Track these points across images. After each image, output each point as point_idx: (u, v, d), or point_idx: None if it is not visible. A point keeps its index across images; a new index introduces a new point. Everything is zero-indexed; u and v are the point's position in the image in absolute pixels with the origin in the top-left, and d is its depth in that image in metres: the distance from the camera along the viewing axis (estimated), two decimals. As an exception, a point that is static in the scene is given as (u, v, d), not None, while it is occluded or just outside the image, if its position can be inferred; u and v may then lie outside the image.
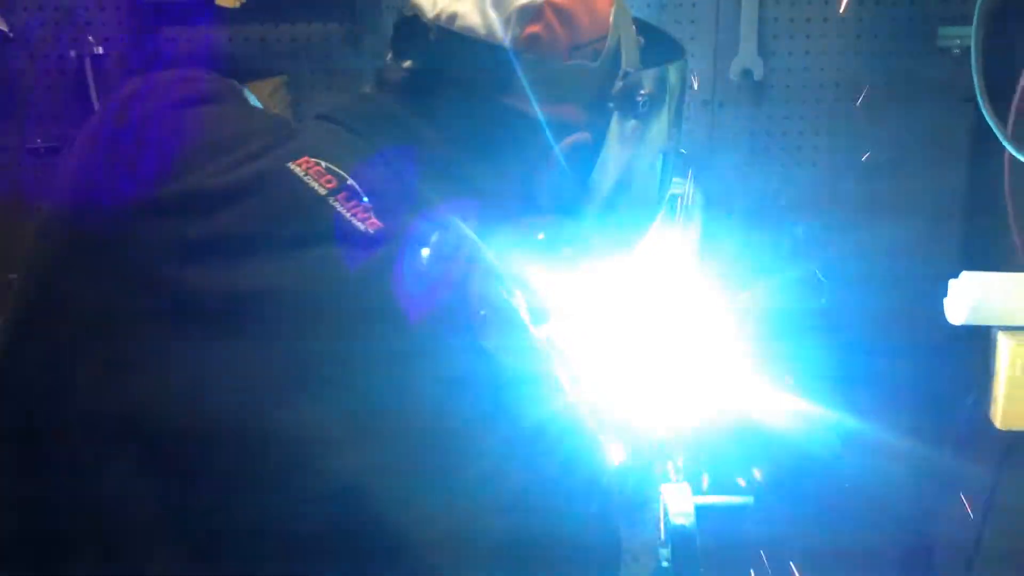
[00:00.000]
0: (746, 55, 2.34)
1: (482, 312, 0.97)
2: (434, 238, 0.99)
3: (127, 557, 0.91)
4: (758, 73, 2.34)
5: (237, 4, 2.25)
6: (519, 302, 1.04)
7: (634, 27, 1.19)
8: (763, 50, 2.35)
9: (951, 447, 2.06)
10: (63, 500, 0.94)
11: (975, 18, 1.55)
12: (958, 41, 2.30)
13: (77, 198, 1.03)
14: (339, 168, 1.00)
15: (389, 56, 1.16)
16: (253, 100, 1.19)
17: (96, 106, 2.42)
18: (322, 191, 0.99)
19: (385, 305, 0.93)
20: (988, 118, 1.53)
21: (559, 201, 1.15)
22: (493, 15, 1.08)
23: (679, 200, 1.81)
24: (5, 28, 2.39)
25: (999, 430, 1.66)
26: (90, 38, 2.42)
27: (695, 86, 2.25)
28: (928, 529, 2.33)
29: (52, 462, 0.95)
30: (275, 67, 2.41)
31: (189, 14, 2.35)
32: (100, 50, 2.43)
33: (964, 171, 2.34)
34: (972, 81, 2.25)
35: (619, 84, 1.13)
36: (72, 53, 2.42)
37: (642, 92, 1.14)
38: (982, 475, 2.02)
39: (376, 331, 0.93)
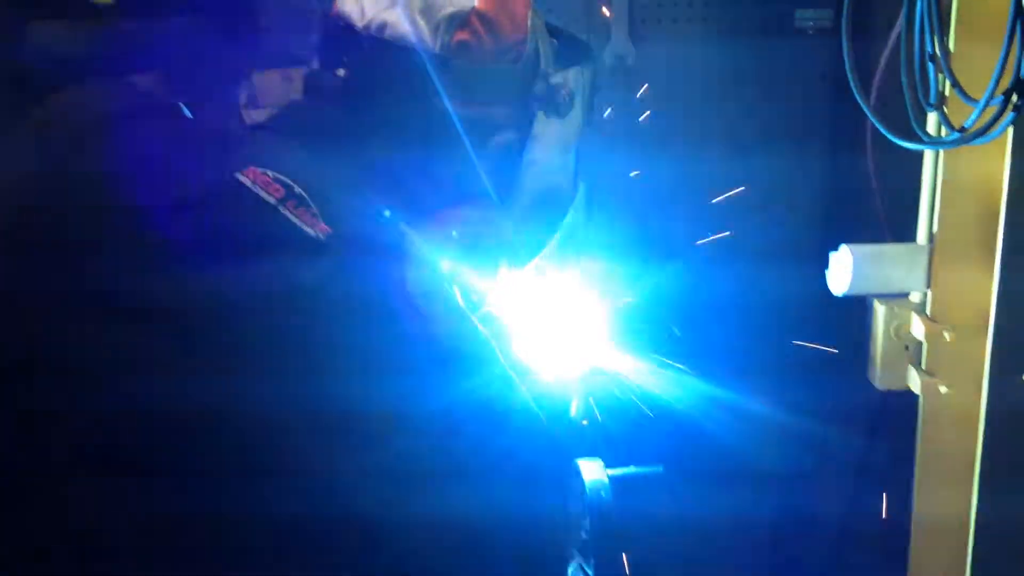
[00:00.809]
0: (618, 42, 2.43)
1: (420, 300, 1.03)
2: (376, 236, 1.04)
3: None
4: (631, 59, 2.43)
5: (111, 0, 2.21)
6: (454, 290, 1.10)
7: (546, 28, 1.25)
8: (634, 36, 2.45)
9: (834, 411, 2.21)
10: None
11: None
12: (812, 23, 2.45)
13: (23, 212, 1.03)
14: (285, 177, 1.04)
15: (315, 63, 1.19)
16: (186, 112, 1.20)
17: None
18: (271, 199, 1.02)
19: (341, 305, 0.98)
20: (858, 96, 1.64)
21: (487, 195, 1.20)
22: (422, 23, 1.12)
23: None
24: None
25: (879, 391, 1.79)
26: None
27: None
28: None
29: None
30: (152, 62, 2.38)
31: (61, 9, 2.30)
32: (-37, 49, 2.35)
33: (826, 144, 2.49)
34: (827, 60, 2.40)
35: (540, 84, 1.19)
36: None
37: (563, 92, 1.20)
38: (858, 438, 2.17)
39: (331, 328, 0.97)
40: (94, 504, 0.96)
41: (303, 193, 1.03)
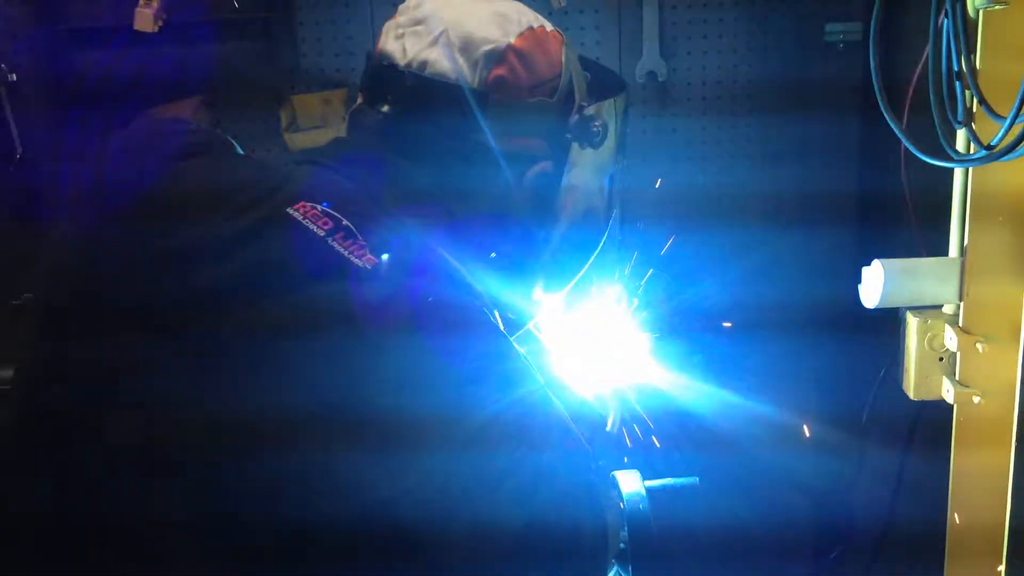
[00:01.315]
0: (649, 58, 2.47)
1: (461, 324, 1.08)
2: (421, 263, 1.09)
3: None
4: (662, 74, 2.48)
5: (156, 29, 2.28)
6: (494, 314, 1.15)
7: (579, 63, 1.30)
8: (665, 52, 2.49)
9: (869, 423, 2.23)
10: None
11: (875, 12, 1.69)
12: (842, 37, 2.49)
13: (83, 255, 1.09)
14: (333, 211, 1.09)
15: (360, 101, 1.24)
16: (238, 148, 1.25)
17: (14, 132, 2.43)
18: (320, 232, 1.07)
19: (391, 331, 1.03)
20: (887, 117, 1.67)
21: (527, 223, 1.25)
22: (461, 60, 1.17)
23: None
24: (-85, 60, 2.38)
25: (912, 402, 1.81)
26: (2, 66, 2.43)
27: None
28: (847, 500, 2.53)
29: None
30: (193, 87, 2.45)
31: (108, 38, 2.38)
32: (14, 77, 2.43)
33: (857, 155, 2.53)
34: (858, 73, 2.42)
35: (575, 117, 1.24)
36: (-15, 81, 2.42)
37: (596, 124, 1.25)
38: (894, 449, 2.19)
39: (384, 352, 1.02)
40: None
41: (350, 226, 1.08)
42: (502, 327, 1.16)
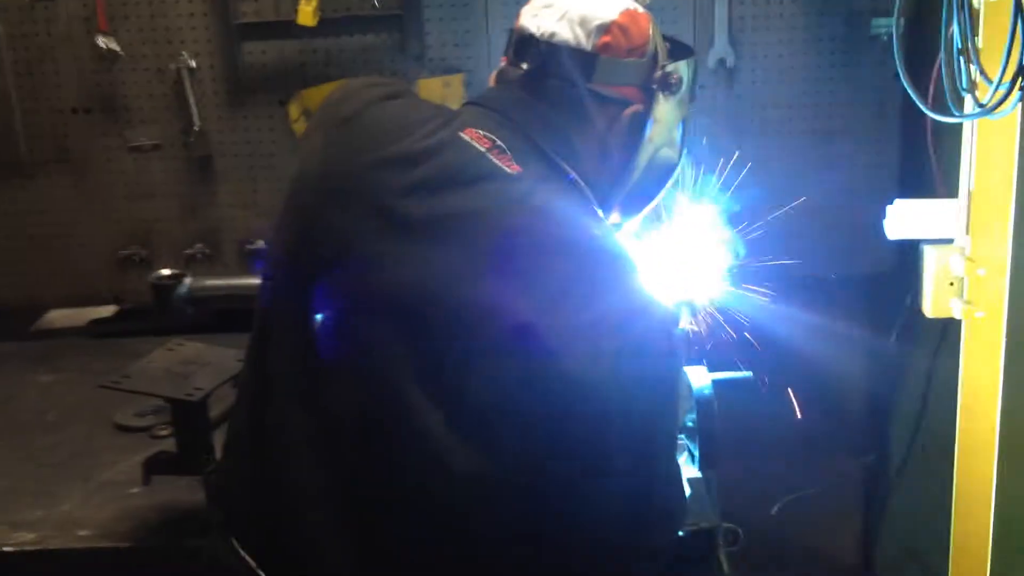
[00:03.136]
0: (720, 47, 2.93)
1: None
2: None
3: (386, 388, 1.46)
4: (730, 61, 2.93)
5: (315, 23, 2.79)
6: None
7: (661, 35, 1.76)
8: (733, 42, 2.94)
9: (898, 336, 2.67)
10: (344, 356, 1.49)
11: (895, 13, 2.14)
12: (885, 30, 2.91)
13: (327, 161, 1.58)
14: (490, 134, 1.56)
15: (504, 62, 1.71)
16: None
17: (193, 109, 2.97)
18: (482, 149, 1.55)
19: (528, 216, 1.50)
20: (908, 88, 2.10)
21: (623, 151, 1.71)
22: (579, 31, 1.64)
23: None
24: (117, 48, 2.92)
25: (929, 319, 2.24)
26: (184, 53, 2.96)
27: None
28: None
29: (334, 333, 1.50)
30: (336, 73, 2.96)
31: (273, 31, 2.90)
32: (194, 63, 2.97)
33: (897, 128, 2.96)
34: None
35: (659, 72, 1.70)
36: (172, 66, 2.96)
37: (675, 77, 1.71)
38: (922, 357, 2.63)
39: (526, 233, 1.49)
40: None
41: (503, 145, 1.55)
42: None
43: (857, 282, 2.86)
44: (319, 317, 1.51)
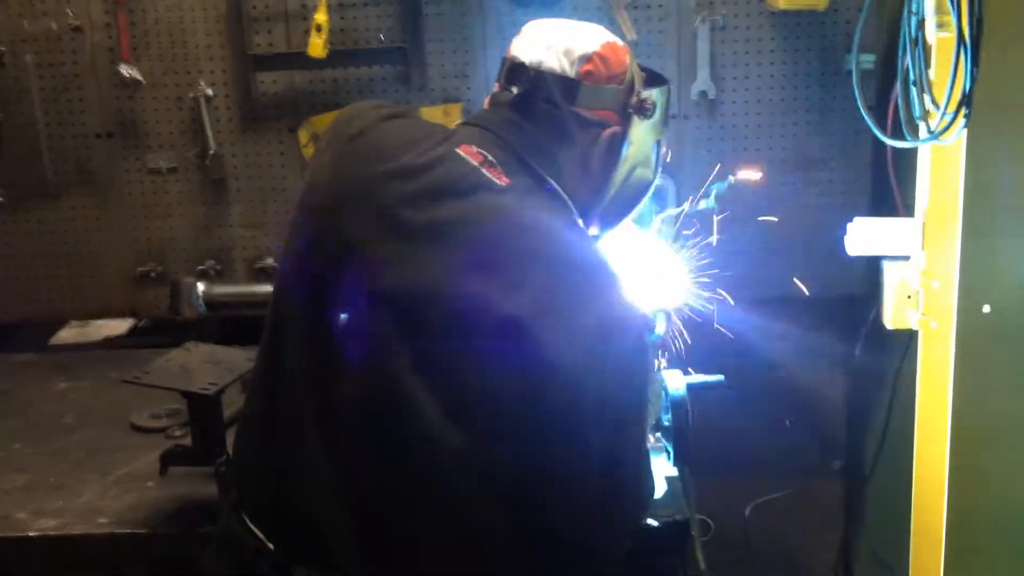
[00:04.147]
0: (702, 81, 3.13)
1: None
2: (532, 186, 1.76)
3: (388, 378, 1.64)
4: (712, 94, 3.13)
5: (325, 55, 2.99)
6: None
7: (638, 65, 1.95)
8: (714, 76, 3.14)
9: (863, 349, 2.85)
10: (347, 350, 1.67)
11: (854, 50, 2.34)
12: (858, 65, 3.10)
13: (337, 171, 1.76)
14: (483, 150, 1.75)
15: (497, 87, 1.90)
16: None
17: (209, 135, 3.16)
18: (475, 163, 1.73)
19: (516, 223, 1.68)
20: (866, 117, 2.29)
21: (602, 168, 1.89)
22: (564, 60, 1.83)
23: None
24: (139, 76, 3.13)
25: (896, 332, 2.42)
26: (202, 82, 3.16)
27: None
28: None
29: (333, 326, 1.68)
30: (344, 101, 3.15)
31: (285, 62, 3.10)
32: (211, 92, 3.16)
33: (869, 154, 3.15)
34: (871, 93, 3.04)
35: (635, 98, 1.89)
36: (190, 94, 3.16)
37: (649, 103, 1.90)
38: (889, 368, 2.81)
39: (513, 238, 1.67)
40: None
41: (493, 160, 1.74)
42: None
43: (831, 299, 3.04)
44: (328, 311, 1.69)
